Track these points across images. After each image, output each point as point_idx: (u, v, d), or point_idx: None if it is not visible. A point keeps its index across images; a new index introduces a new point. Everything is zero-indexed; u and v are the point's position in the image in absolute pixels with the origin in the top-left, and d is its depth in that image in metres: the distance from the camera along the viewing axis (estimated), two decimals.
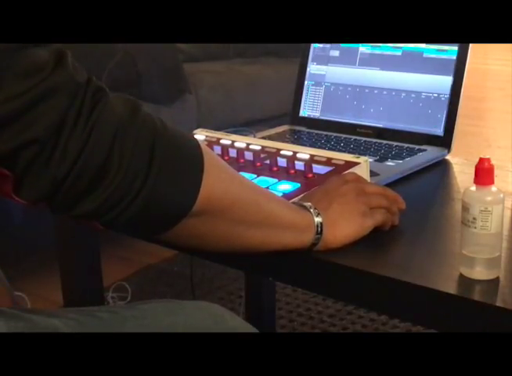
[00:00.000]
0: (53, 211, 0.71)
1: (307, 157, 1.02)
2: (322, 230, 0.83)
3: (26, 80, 0.63)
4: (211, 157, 0.76)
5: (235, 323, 0.85)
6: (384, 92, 1.31)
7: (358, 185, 0.90)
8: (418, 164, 1.17)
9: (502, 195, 0.75)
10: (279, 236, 0.82)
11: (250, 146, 1.08)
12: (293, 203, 0.87)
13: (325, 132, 1.34)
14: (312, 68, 1.40)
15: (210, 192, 0.74)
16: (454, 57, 1.23)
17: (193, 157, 0.74)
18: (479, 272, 0.76)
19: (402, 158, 1.19)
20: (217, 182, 0.75)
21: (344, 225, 0.85)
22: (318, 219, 0.84)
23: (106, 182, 0.68)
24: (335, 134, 1.33)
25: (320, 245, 0.84)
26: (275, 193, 0.94)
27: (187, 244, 0.83)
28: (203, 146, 0.76)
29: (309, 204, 0.85)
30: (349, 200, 0.87)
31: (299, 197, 0.92)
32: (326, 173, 0.99)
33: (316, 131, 1.35)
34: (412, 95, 1.28)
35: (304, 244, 0.83)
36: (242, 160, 1.05)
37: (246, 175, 1.00)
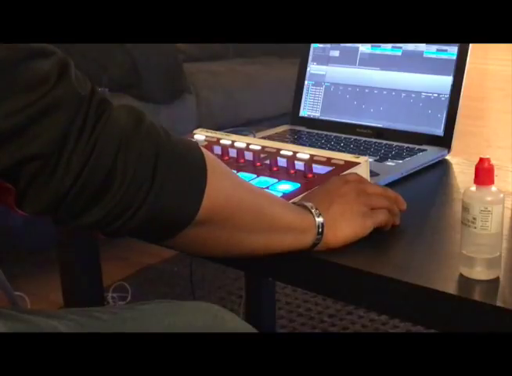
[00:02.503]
0: (55, 222, 0.71)
1: (307, 157, 1.02)
2: (323, 231, 0.84)
3: (28, 94, 0.63)
4: (215, 164, 0.76)
5: (235, 323, 0.85)
6: (384, 92, 1.31)
7: (359, 185, 0.90)
8: (418, 164, 1.17)
9: (502, 195, 0.75)
10: (280, 240, 0.82)
11: (250, 146, 1.08)
12: (294, 203, 0.87)
13: (325, 132, 1.34)
14: (312, 68, 1.40)
15: (213, 201, 0.74)
16: (454, 57, 1.23)
17: (197, 167, 0.74)
18: (479, 273, 0.76)
19: (402, 158, 1.19)
20: (220, 191, 0.76)
21: (344, 225, 0.85)
22: (319, 220, 0.84)
23: (109, 194, 0.68)
24: (335, 134, 1.33)
25: (321, 245, 0.84)
26: (275, 193, 0.94)
27: (188, 250, 0.84)
28: (207, 153, 0.76)
29: (310, 204, 0.85)
30: (350, 200, 0.87)
31: (299, 196, 0.92)
32: (326, 173, 0.99)
33: (316, 131, 1.35)
34: (412, 95, 1.28)
35: (305, 244, 0.83)
36: (242, 160, 1.05)
37: (246, 175, 1.00)
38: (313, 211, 0.84)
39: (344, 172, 0.97)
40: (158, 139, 0.71)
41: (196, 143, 0.77)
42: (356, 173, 0.95)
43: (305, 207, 0.85)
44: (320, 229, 0.84)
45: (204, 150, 0.76)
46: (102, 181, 0.67)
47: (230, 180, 0.80)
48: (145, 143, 0.69)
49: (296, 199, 0.91)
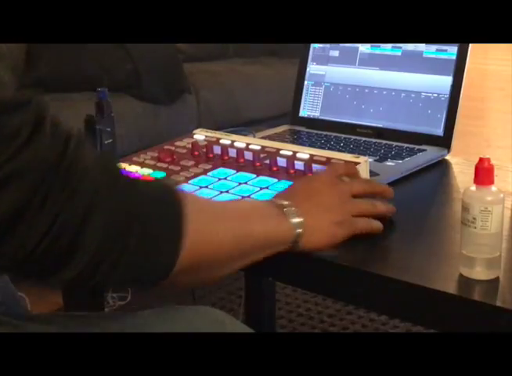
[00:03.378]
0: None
1: (306, 157, 1.02)
2: (298, 240, 0.83)
3: None
4: (191, 209, 0.74)
5: (234, 328, 0.85)
6: (384, 92, 1.31)
7: (343, 187, 0.88)
8: (418, 164, 1.17)
9: (502, 195, 0.75)
10: (259, 255, 0.82)
11: (250, 146, 1.08)
12: (275, 201, 0.85)
13: (324, 132, 1.34)
14: (312, 68, 1.40)
15: (190, 254, 0.73)
16: (454, 57, 1.23)
17: (172, 222, 0.72)
18: (479, 273, 0.76)
19: (402, 158, 1.19)
20: (198, 241, 0.74)
21: (317, 234, 0.84)
22: (297, 231, 0.82)
23: (70, 264, 0.66)
24: (335, 134, 1.33)
25: (295, 248, 0.84)
26: (275, 193, 0.94)
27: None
28: (182, 195, 0.74)
29: (292, 209, 0.83)
30: (331, 207, 0.85)
31: (284, 191, 0.91)
32: None
33: (316, 131, 1.35)
34: (412, 95, 1.28)
35: (280, 250, 0.83)
36: (242, 160, 1.05)
37: (246, 175, 1.00)
38: (293, 221, 0.82)
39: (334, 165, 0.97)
40: (131, 200, 0.69)
41: (170, 188, 0.75)
42: (343, 165, 0.95)
43: (283, 213, 0.83)
44: (297, 239, 0.83)
45: (180, 192, 0.75)
46: (61, 254, 0.65)
47: (207, 219, 0.77)
48: (117, 209, 0.67)
49: (280, 194, 0.90)
